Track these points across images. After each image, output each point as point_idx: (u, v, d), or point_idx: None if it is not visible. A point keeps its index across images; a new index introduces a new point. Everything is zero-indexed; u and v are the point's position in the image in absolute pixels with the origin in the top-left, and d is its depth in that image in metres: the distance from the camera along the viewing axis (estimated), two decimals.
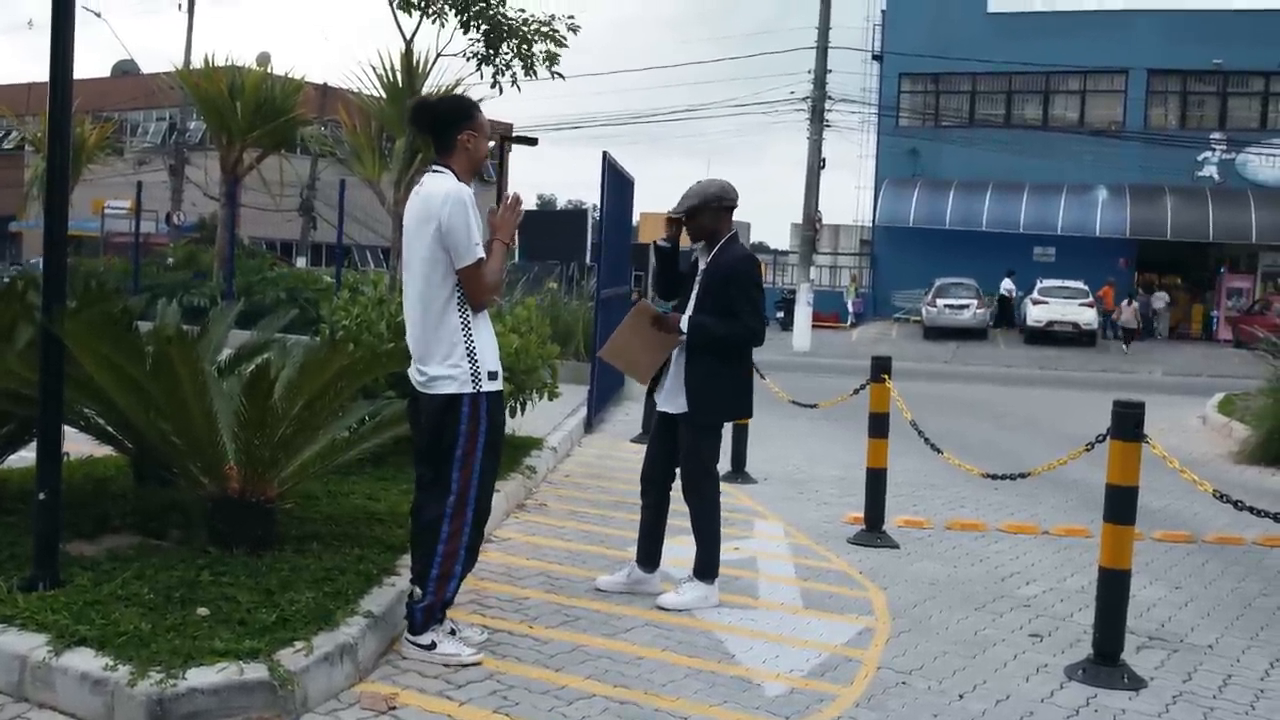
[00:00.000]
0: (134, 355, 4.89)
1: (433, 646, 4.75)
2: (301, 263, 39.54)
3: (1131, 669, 4.98)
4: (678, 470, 5.84)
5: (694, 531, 5.79)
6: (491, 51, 13.22)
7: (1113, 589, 4.97)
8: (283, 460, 5.31)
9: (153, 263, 25.76)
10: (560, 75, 13.22)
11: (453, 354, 4.64)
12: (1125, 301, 34.11)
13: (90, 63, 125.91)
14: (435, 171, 4.79)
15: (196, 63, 25.42)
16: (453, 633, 4.98)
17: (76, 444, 6.22)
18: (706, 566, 5.76)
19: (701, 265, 5.77)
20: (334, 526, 5.96)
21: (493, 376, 4.73)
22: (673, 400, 5.74)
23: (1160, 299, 36.88)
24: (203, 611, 4.49)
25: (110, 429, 5.61)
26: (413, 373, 4.77)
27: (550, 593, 5.84)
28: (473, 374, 4.65)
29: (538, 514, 7.75)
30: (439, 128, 4.81)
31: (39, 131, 27.02)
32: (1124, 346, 32.55)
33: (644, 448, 6.20)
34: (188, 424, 5.06)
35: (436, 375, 4.66)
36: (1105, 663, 4.95)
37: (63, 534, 5.32)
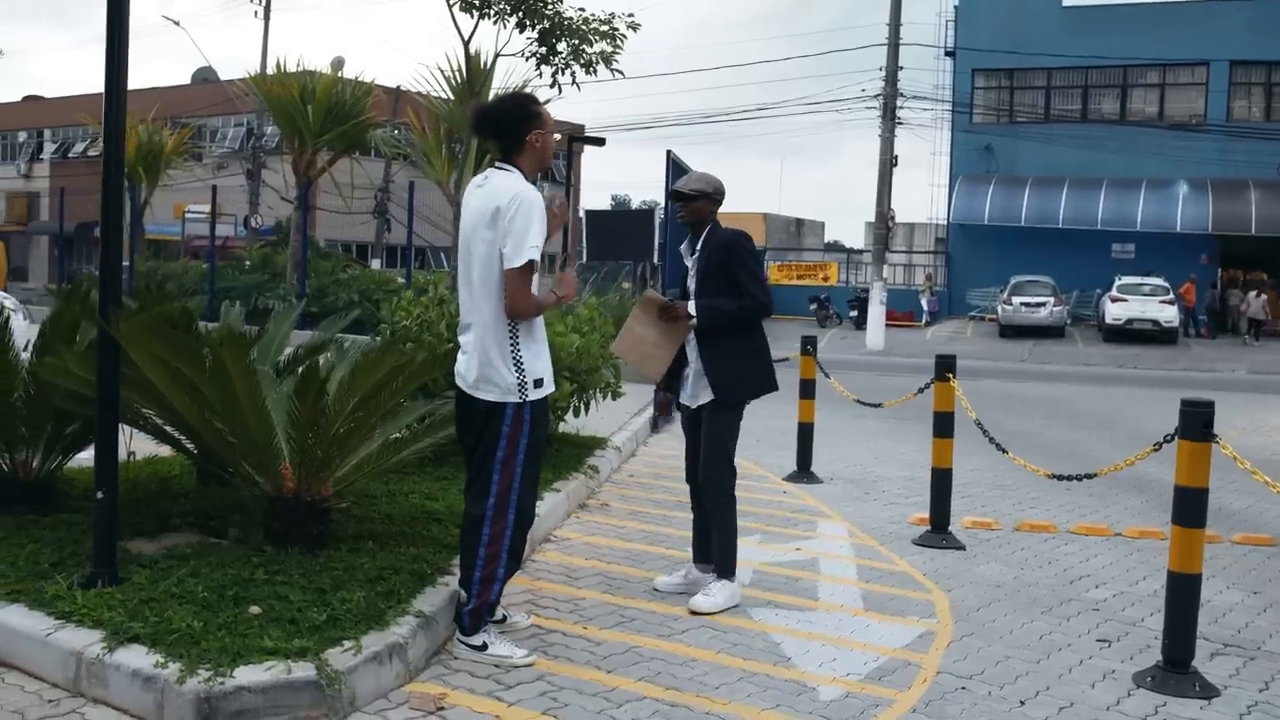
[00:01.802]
0: (189, 356, 4.91)
1: (484, 648, 4.73)
2: (376, 265, 39.94)
3: (1204, 677, 4.81)
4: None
5: (716, 534, 5.68)
6: (548, 51, 13.22)
7: (1182, 594, 4.81)
8: (336, 459, 5.31)
9: (229, 265, 26.14)
10: (620, 73, 13.20)
11: (500, 360, 4.62)
12: (1254, 294, 33.53)
13: (171, 70, 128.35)
14: (502, 169, 4.76)
15: (272, 69, 25.78)
16: (503, 619, 5.03)
17: (143, 443, 6.30)
18: (727, 563, 5.66)
19: (693, 253, 5.75)
20: (390, 526, 5.97)
21: (538, 384, 4.69)
22: (697, 393, 5.69)
23: (1236, 294, 35.92)
24: (255, 610, 4.49)
25: (167, 429, 5.66)
26: (459, 373, 4.75)
27: (607, 593, 5.79)
28: (519, 383, 4.62)
29: (599, 514, 7.71)
30: (506, 128, 4.78)
31: None
32: (1250, 339, 31.94)
33: None
34: (241, 424, 5.08)
35: (481, 380, 4.65)
36: (1175, 670, 4.79)
37: (124, 532, 5.40)
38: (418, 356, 5.21)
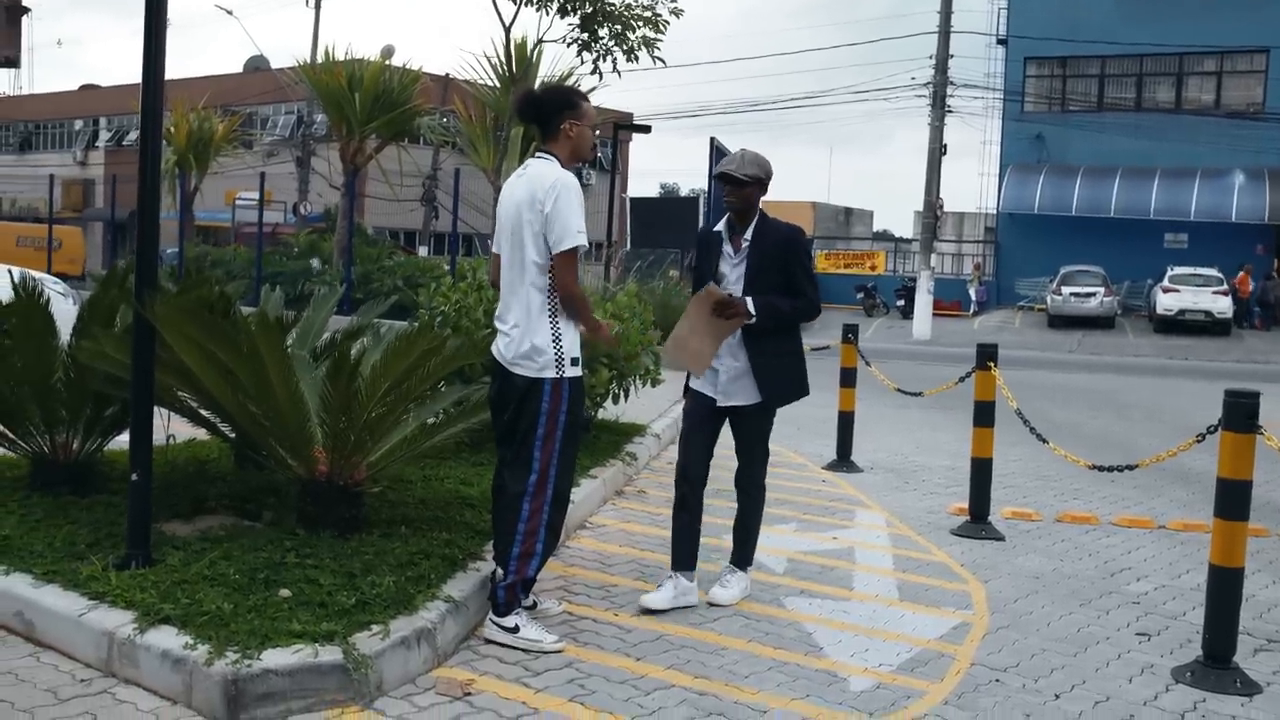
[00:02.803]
0: (223, 339, 4.93)
1: (516, 630, 4.72)
2: (424, 251, 40.15)
3: (1245, 673, 4.72)
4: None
5: (746, 525, 5.55)
6: (590, 37, 13.19)
7: (1224, 587, 4.72)
8: (369, 443, 5.31)
9: (277, 252, 26.34)
10: (662, 61, 13.16)
11: (539, 338, 4.66)
12: None
13: (225, 59, 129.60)
14: (541, 157, 4.84)
15: (321, 58, 25.91)
16: (534, 605, 5.04)
17: (182, 426, 6.35)
18: (750, 554, 5.61)
19: (740, 242, 5.32)
20: (424, 510, 5.97)
21: (575, 363, 4.73)
22: (733, 391, 5.35)
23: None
24: (285, 593, 4.51)
25: (203, 412, 5.70)
26: (497, 350, 4.77)
27: (639, 580, 5.76)
28: (556, 359, 4.67)
29: (635, 501, 7.68)
30: (544, 116, 4.86)
31: (170, 126, 27.86)
32: None
33: None
34: (275, 407, 5.10)
35: (521, 357, 4.69)
36: (1216, 665, 4.70)
37: (160, 514, 5.45)
38: (449, 341, 5.20)
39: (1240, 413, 4.67)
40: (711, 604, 5.38)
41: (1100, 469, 6.32)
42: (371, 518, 5.60)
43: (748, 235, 5.30)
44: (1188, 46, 37.53)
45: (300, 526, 5.33)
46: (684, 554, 5.38)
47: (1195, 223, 36.16)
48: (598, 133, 5.02)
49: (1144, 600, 5.84)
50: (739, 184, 5.28)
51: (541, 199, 4.63)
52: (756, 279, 5.25)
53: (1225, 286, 31.84)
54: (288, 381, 5.03)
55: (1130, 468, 6.08)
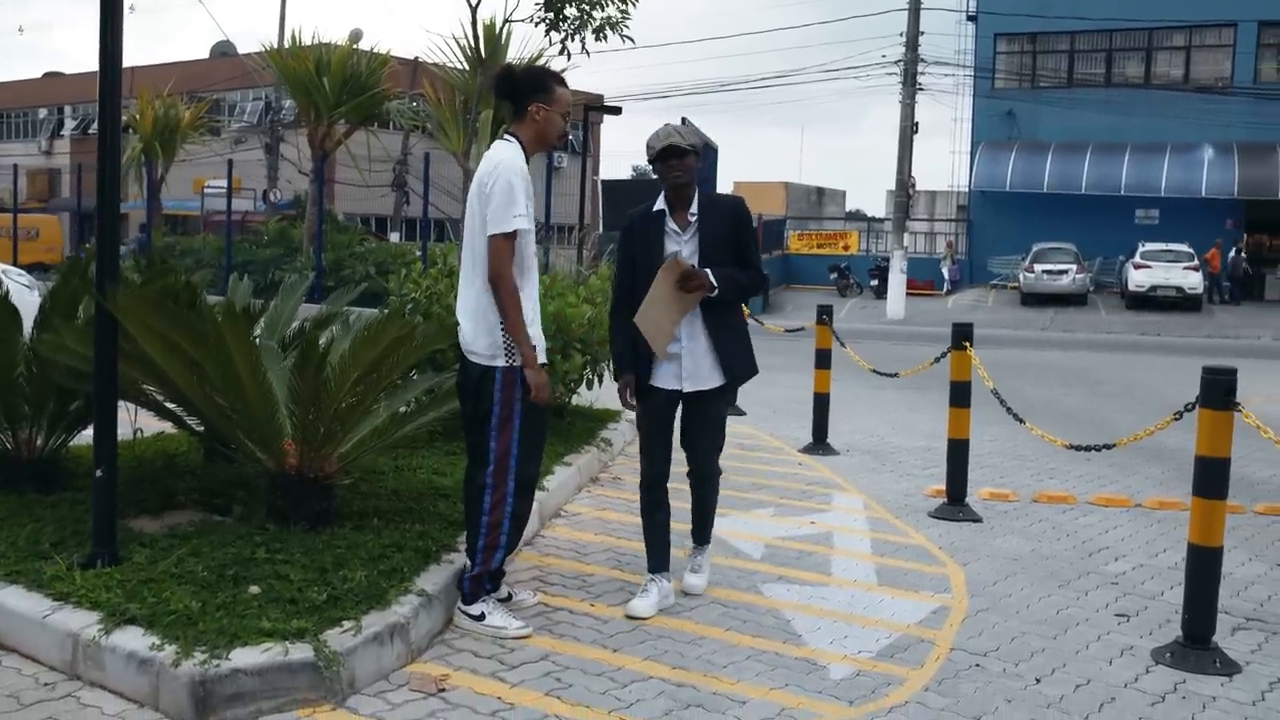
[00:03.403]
0: (188, 330, 4.84)
1: (482, 617, 4.70)
2: (395, 237, 39.89)
3: (1224, 652, 4.70)
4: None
5: (704, 509, 5.35)
6: (556, 16, 13.06)
7: (1203, 567, 4.69)
8: (339, 435, 5.23)
9: (246, 240, 26.11)
10: (630, 40, 13.03)
11: (491, 325, 4.58)
12: None
13: (193, 46, 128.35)
14: (504, 139, 4.76)
15: (289, 43, 25.64)
16: (509, 598, 4.98)
17: (150, 420, 6.23)
18: (709, 530, 5.44)
19: (687, 218, 5.08)
20: (397, 502, 5.89)
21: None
22: (703, 373, 5.09)
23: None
24: (254, 590, 4.42)
25: (169, 405, 5.59)
26: (460, 338, 4.70)
27: (616, 569, 5.70)
28: (506, 344, 4.57)
29: (611, 488, 7.62)
30: (515, 95, 4.78)
31: (136, 113, 27.54)
32: None
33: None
34: (242, 399, 5.00)
35: (475, 344, 4.63)
36: (1195, 645, 4.68)
37: (128, 510, 5.36)
38: (418, 328, 5.12)
39: (1218, 390, 4.64)
40: (688, 593, 5.30)
41: (1077, 449, 6.29)
42: (343, 510, 5.52)
43: (694, 210, 5.10)
44: (1156, 21, 37.70)
45: (270, 521, 5.24)
46: (662, 556, 5.19)
47: (1165, 198, 36.34)
48: (569, 117, 4.90)
49: (1122, 580, 5.82)
50: (684, 154, 5.02)
51: (486, 183, 4.57)
52: (712, 253, 5.05)
53: (1196, 262, 32.01)
54: (255, 373, 4.94)
55: (1107, 447, 6.05)
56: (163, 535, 5.06)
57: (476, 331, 4.62)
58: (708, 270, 4.98)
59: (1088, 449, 6.19)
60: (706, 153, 12.13)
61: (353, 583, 4.55)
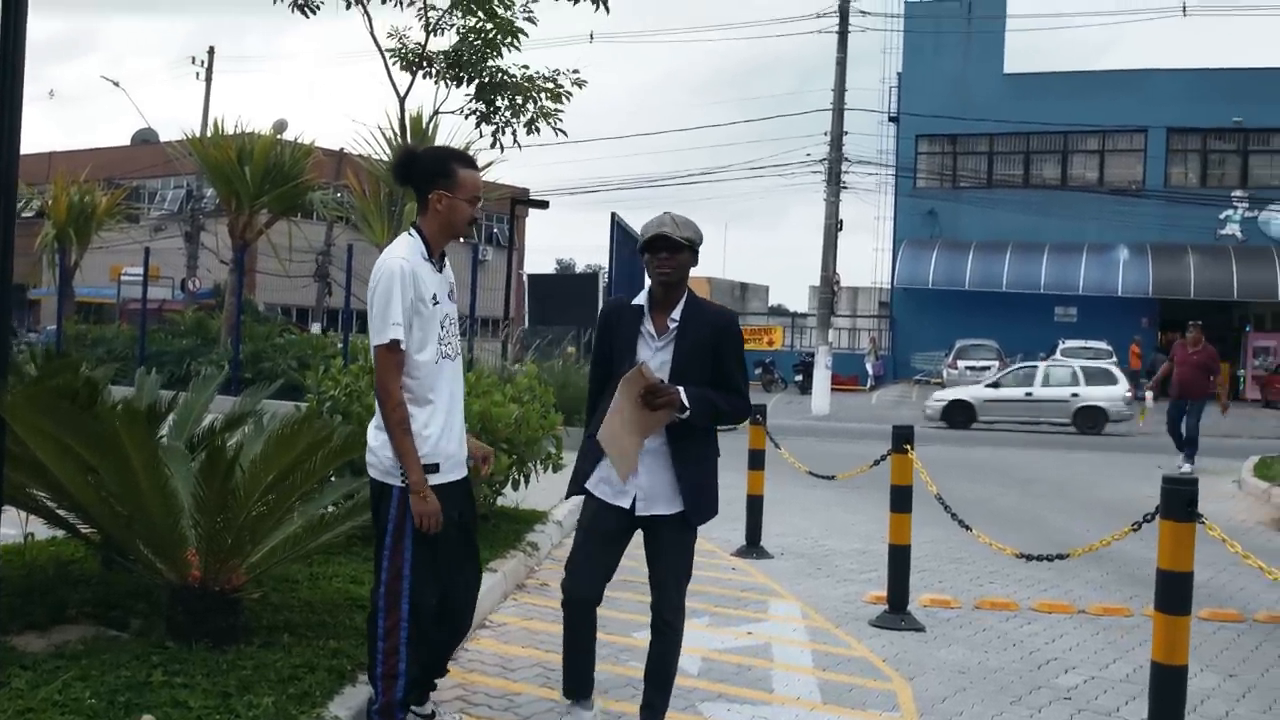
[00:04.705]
0: (82, 433, 4.46)
1: None
2: (316, 328, 39.32)
3: None
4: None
5: (661, 669, 4.49)
6: (488, 107, 12.92)
7: (1168, 687, 4.46)
8: (248, 545, 4.87)
9: (162, 329, 25.46)
10: (563, 133, 12.91)
11: (387, 441, 4.21)
12: None
13: (112, 132, 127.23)
14: (407, 234, 4.38)
15: (211, 131, 25.31)
16: (432, 715, 4.60)
17: (44, 523, 5.79)
18: (666, 706, 4.55)
19: (667, 323, 4.42)
20: (310, 615, 5.49)
21: (430, 469, 4.21)
22: (659, 499, 4.40)
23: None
24: (148, 719, 4.01)
25: (61, 512, 5.17)
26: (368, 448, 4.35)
27: (545, 687, 5.34)
28: (400, 467, 4.18)
29: (538, 595, 7.26)
30: (414, 181, 4.39)
31: (49, 199, 26.96)
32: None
33: None
34: (141, 508, 4.62)
35: (373, 459, 4.28)
36: None
37: (12, 625, 4.94)
38: (336, 432, 4.78)
39: (1179, 500, 4.45)
40: None
41: (1028, 558, 6.06)
42: (252, 624, 5.13)
43: (676, 315, 4.41)
44: (1071, 125, 38.70)
45: (170, 638, 4.84)
46: (580, 682, 4.53)
47: (1084, 296, 37.06)
48: (481, 204, 4.45)
49: (1075, 695, 5.57)
50: (675, 249, 4.35)
51: (370, 289, 4.21)
52: (686, 369, 4.34)
53: (1115, 359, 32.44)
54: (156, 479, 4.57)
55: (1060, 557, 5.84)
56: (48, 656, 4.63)
57: (373, 445, 4.28)
58: (680, 388, 4.30)
59: (1039, 558, 5.95)
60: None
61: (259, 710, 4.17)
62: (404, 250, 4.24)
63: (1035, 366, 27.21)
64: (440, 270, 4.36)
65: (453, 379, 4.37)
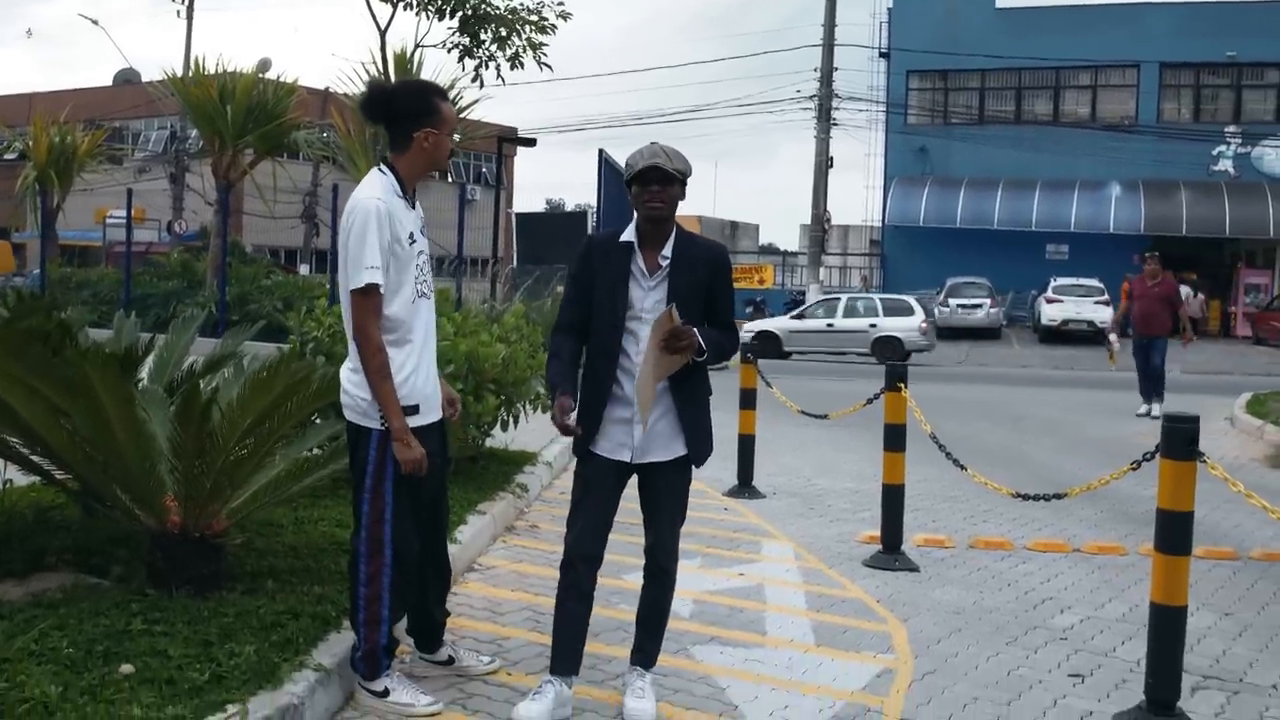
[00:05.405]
0: (52, 377, 4.32)
1: (385, 694, 4.24)
2: (305, 270, 39.07)
3: (1189, 716, 4.38)
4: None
5: (654, 615, 4.41)
6: (471, 40, 12.66)
7: (1167, 628, 4.37)
8: (228, 489, 4.74)
9: (148, 272, 25.23)
10: (549, 67, 12.68)
11: (364, 382, 4.08)
12: (1190, 293, 33.38)
13: (95, 73, 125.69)
14: (378, 170, 4.20)
15: (193, 70, 24.90)
16: (449, 660, 4.62)
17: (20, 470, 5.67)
18: (657, 654, 4.49)
19: (658, 260, 4.20)
20: (295, 560, 5.39)
21: (410, 411, 4.11)
22: (663, 444, 4.25)
23: (1184, 291, 35.73)
24: (126, 669, 3.91)
25: (34, 457, 5.05)
26: (341, 391, 4.22)
27: (534, 631, 5.25)
28: (379, 408, 4.07)
29: (528, 537, 7.18)
30: (394, 118, 4.21)
31: (30, 140, 26.58)
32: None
33: None
34: (116, 452, 4.50)
35: (349, 400, 4.15)
36: (1160, 712, 4.36)
37: None
38: (314, 374, 4.64)
39: (1179, 439, 4.34)
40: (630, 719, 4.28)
41: (1025, 497, 5.96)
42: (235, 570, 5.03)
43: (667, 252, 4.19)
44: (1063, 60, 38.31)
45: (151, 585, 4.73)
46: (569, 656, 4.24)
47: (1075, 234, 36.86)
48: (457, 140, 4.32)
49: (1071, 635, 5.50)
50: (667, 181, 4.11)
51: (343, 230, 4.06)
52: (682, 308, 4.11)
53: (1106, 296, 32.35)
54: (130, 422, 4.44)
55: (1058, 497, 5.74)
56: (26, 604, 4.52)
57: (347, 388, 4.15)
58: (695, 330, 4.11)
59: (1036, 498, 5.86)
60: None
61: (240, 658, 4.06)
62: (378, 189, 4.09)
63: (838, 298, 28.27)
64: (413, 207, 4.22)
65: (427, 318, 4.26)
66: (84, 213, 37.37)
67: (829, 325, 26.69)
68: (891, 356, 25.25)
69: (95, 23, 38.28)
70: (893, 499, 6.81)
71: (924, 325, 26.51)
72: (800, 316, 27.40)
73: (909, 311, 26.78)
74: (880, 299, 27.81)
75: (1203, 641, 5.46)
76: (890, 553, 6.78)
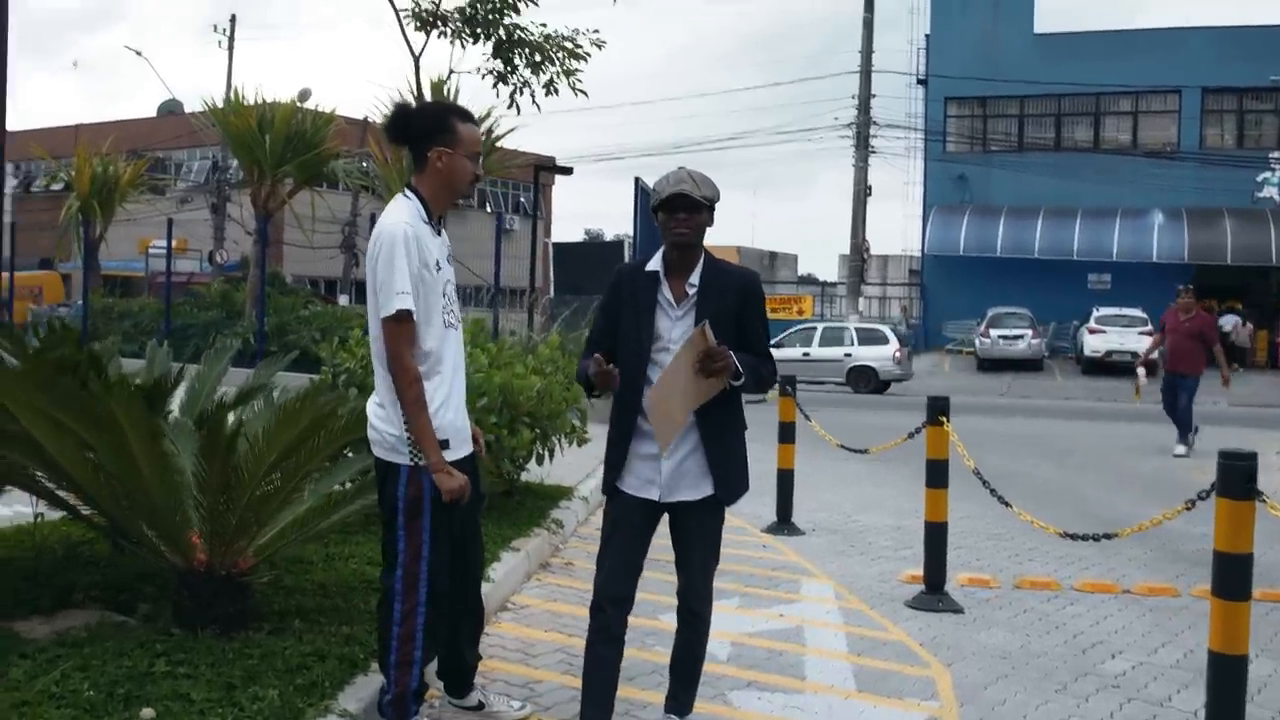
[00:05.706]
0: (77, 410, 4.24)
1: None
2: (344, 300, 39.20)
3: None
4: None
5: (689, 662, 4.25)
6: (505, 65, 12.63)
7: (1227, 678, 4.17)
8: (254, 526, 4.65)
9: (188, 302, 25.35)
10: (584, 93, 12.65)
11: (392, 415, 3.95)
12: (1239, 322, 32.91)
13: (140, 102, 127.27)
14: (403, 195, 4.08)
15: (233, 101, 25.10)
16: (479, 706, 4.47)
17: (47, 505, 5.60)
18: (693, 701, 4.32)
19: (686, 289, 4.04)
20: (323, 599, 5.29)
21: (440, 446, 3.95)
22: (692, 482, 4.05)
23: (1230, 320, 35.26)
24: (147, 714, 3.81)
25: (59, 493, 4.97)
26: (369, 426, 4.10)
27: (567, 674, 5.11)
28: (410, 442, 3.93)
29: (562, 575, 7.04)
30: (411, 138, 4.09)
31: (72, 171, 26.85)
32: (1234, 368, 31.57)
33: None
34: (140, 487, 4.41)
35: (376, 435, 4.01)
36: None
37: (18, 611, 4.77)
38: (343, 407, 4.54)
39: (1237, 476, 4.16)
40: None
41: (1074, 537, 5.75)
42: (262, 609, 4.93)
43: (694, 279, 4.04)
44: (1103, 86, 38.02)
45: (176, 624, 4.64)
46: (600, 704, 4.02)
47: (1118, 263, 36.43)
48: (479, 159, 4.16)
49: (1123, 682, 5.30)
50: (695, 209, 3.97)
51: (371, 257, 3.93)
52: (717, 330, 3.93)
53: (1150, 326, 31.88)
54: (156, 457, 4.35)
55: (1108, 537, 5.54)
56: (50, 643, 4.45)
57: (375, 422, 4.02)
58: (732, 353, 3.92)
59: (1086, 538, 5.65)
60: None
61: (264, 702, 3.96)
62: (404, 214, 3.96)
63: (815, 327, 28.24)
64: (439, 234, 4.11)
65: (456, 349, 4.13)
66: (127, 243, 37.73)
67: (805, 354, 26.70)
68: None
69: (139, 54, 38.65)
70: (936, 537, 6.63)
71: (899, 354, 26.55)
72: (778, 345, 27.24)
73: (883, 341, 26.87)
74: (856, 328, 27.81)
75: (1265, 690, 5.26)
76: (934, 593, 6.60)
